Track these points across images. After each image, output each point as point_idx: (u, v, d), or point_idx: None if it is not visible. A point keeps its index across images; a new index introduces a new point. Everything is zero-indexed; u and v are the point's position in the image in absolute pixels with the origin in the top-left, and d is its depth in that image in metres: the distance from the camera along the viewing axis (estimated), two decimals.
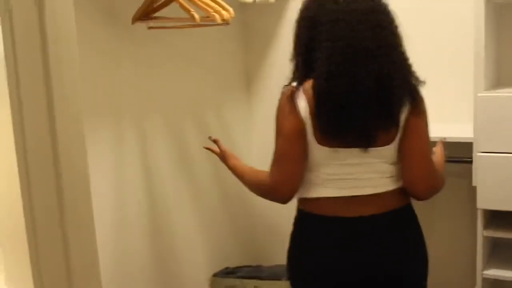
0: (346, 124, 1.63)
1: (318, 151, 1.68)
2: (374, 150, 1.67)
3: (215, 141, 2.04)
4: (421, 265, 1.80)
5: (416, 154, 1.70)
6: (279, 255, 3.01)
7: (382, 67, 1.61)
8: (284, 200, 1.77)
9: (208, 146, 2.08)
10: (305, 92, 1.66)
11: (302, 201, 1.78)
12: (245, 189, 2.94)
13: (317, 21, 1.67)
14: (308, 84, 1.66)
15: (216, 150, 2.04)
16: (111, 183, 2.17)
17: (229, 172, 2.74)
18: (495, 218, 2.43)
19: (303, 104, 1.66)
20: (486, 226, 2.35)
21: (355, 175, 1.69)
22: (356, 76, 1.60)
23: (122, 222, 2.23)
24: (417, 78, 1.71)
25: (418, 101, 1.68)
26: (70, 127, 1.21)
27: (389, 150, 1.69)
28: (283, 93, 1.72)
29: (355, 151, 1.67)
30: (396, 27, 1.68)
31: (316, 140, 1.67)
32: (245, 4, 2.24)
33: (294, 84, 1.70)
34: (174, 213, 2.50)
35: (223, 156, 2.02)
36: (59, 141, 1.16)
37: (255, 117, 2.98)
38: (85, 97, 1.96)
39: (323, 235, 1.73)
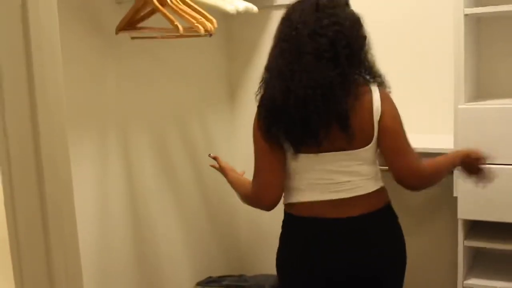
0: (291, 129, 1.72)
1: (298, 159, 1.77)
2: (352, 153, 1.74)
3: (214, 158, 2.11)
4: (401, 262, 1.86)
5: (390, 152, 1.78)
6: (263, 264, 3.03)
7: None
8: (267, 207, 1.85)
9: (212, 164, 2.14)
10: None
11: (288, 205, 1.86)
12: (228, 198, 2.96)
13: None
14: None
15: (217, 166, 2.11)
16: (95, 193, 2.17)
17: (212, 181, 2.76)
18: (476, 228, 2.45)
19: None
20: (467, 236, 2.38)
21: (335, 179, 1.77)
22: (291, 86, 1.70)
23: (105, 232, 2.22)
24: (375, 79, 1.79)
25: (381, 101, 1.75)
26: (54, 137, 1.21)
27: (367, 152, 1.76)
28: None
29: (333, 155, 1.74)
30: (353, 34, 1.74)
31: (292, 148, 1.76)
32: (229, 14, 2.25)
33: None
34: (157, 223, 2.50)
35: (222, 171, 2.09)
36: (42, 151, 1.16)
37: (238, 126, 2.99)
38: (69, 106, 1.98)
39: (309, 235, 1.81)
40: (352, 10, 1.79)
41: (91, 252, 2.14)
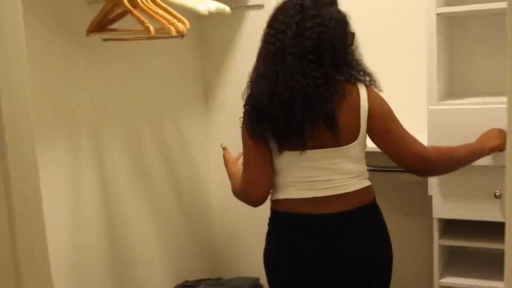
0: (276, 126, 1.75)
1: (284, 157, 1.80)
2: (337, 150, 1.76)
3: (224, 149, 2.16)
4: (386, 259, 1.89)
5: (389, 148, 1.82)
6: (240, 267, 3.02)
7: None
8: (254, 203, 1.90)
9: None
10: None
11: (274, 202, 1.89)
12: (203, 201, 2.94)
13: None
14: None
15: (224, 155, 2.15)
16: (67, 197, 2.13)
17: (187, 184, 2.75)
18: (451, 226, 2.47)
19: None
20: (442, 235, 2.39)
21: (320, 177, 1.79)
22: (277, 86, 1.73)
23: (78, 237, 2.19)
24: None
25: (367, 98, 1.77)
26: (21, 143, 1.18)
27: (353, 149, 1.78)
28: None
29: (319, 152, 1.76)
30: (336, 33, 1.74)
31: (277, 146, 1.78)
32: (201, 15, 2.23)
33: None
34: (132, 227, 2.47)
35: (224, 162, 2.12)
36: (9, 158, 1.13)
37: (213, 128, 2.96)
38: (38, 110, 1.95)
39: (293, 231, 1.84)
40: (338, 9, 1.80)
41: (64, 257, 2.11)
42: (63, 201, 2.11)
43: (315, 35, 1.71)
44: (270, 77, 1.74)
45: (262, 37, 1.82)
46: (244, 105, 1.84)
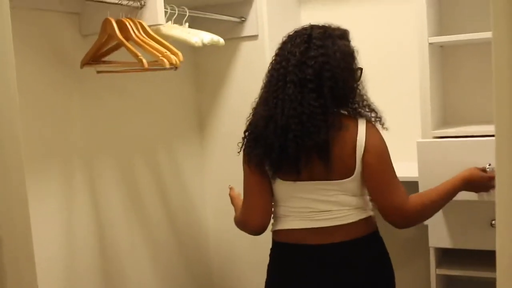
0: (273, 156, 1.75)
1: (279, 186, 1.81)
2: (331, 184, 1.75)
3: (230, 189, 2.13)
4: None
5: (373, 189, 1.78)
6: None
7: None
8: (254, 231, 1.89)
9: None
10: None
11: (274, 232, 1.89)
12: (197, 228, 2.92)
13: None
14: None
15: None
16: (59, 227, 2.11)
17: (181, 213, 2.73)
18: (448, 256, 2.45)
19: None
20: (439, 264, 2.37)
21: (316, 208, 1.77)
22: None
23: (72, 267, 2.16)
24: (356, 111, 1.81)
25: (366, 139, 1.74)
26: (10, 177, 1.17)
27: (350, 183, 1.75)
28: None
29: (312, 184, 1.76)
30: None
31: (271, 173, 1.79)
32: (195, 47, 2.25)
33: None
34: (126, 257, 2.44)
35: (231, 200, 2.10)
36: None
37: (208, 158, 2.96)
38: (31, 141, 1.95)
39: (291, 262, 1.83)
40: (346, 43, 1.80)
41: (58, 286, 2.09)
42: (56, 232, 2.10)
43: (318, 65, 1.71)
44: (269, 103, 1.76)
45: (270, 64, 1.85)
46: (244, 131, 1.86)
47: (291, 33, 1.83)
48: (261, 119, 1.77)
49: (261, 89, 1.85)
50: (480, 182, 1.93)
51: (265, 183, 1.83)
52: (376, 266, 1.83)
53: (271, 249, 1.91)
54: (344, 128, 1.73)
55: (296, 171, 1.74)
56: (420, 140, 2.26)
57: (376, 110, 1.82)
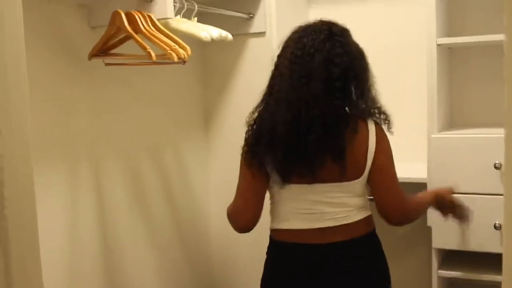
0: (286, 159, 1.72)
1: (284, 187, 1.77)
2: (342, 185, 1.74)
3: None
4: (385, 285, 1.87)
5: (379, 189, 1.78)
6: None
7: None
8: (241, 229, 1.88)
9: None
10: None
11: (273, 231, 1.87)
12: (201, 228, 2.92)
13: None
14: None
15: None
16: (65, 223, 2.11)
17: (185, 211, 2.73)
18: (450, 257, 2.45)
19: None
20: (441, 266, 2.37)
21: (321, 209, 1.76)
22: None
23: (75, 262, 2.16)
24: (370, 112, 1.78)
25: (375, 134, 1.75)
26: (18, 168, 1.17)
27: (357, 184, 1.76)
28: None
29: (323, 186, 1.74)
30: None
31: (281, 177, 1.76)
32: (203, 42, 2.24)
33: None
34: (129, 252, 2.44)
35: None
36: (5, 185, 1.11)
37: (213, 154, 2.96)
38: (38, 134, 1.95)
39: (292, 260, 1.82)
40: (356, 41, 1.79)
41: (60, 284, 2.08)
42: (61, 227, 2.09)
43: (344, 64, 1.69)
44: (291, 101, 1.68)
45: (285, 56, 1.75)
46: (248, 131, 1.80)
47: (304, 27, 1.77)
48: (281, 120, 1.69)
49: (273, 83, 1.76)
50: (447, 204, 1.99)
51: (264, 184, 1.81)
52: (372, 263, 1.84)
53: (268, 247, 1.90)
54: (359, 130, 1.72)
55: (311, 173, 1.71)
56: (434, 135, 2.27)
57: (385, 113, 1.81)
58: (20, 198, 1.13)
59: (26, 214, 1.17)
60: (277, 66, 1.79)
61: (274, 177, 1.78)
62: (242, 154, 1.83)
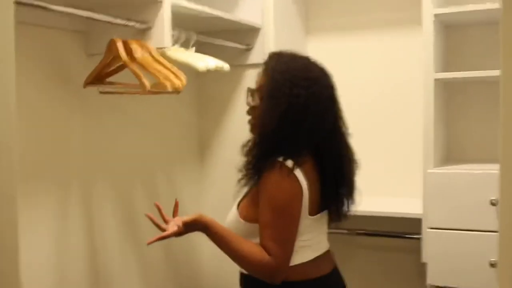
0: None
1: (304, 222, 1.69)
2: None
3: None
4: None
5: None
6: None
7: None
8: (280, 280, 1.68)
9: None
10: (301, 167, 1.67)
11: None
12: (193, 255, 2.87)
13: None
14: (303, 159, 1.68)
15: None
16: (55, 249, 2.08)
17: (177, 240, 2.66)
18: None
19: (304, 182, 1.66)
20: None
21: (319, 236, 1.78)
22: None
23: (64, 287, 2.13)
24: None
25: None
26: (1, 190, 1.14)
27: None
28: (284, 171, 1.65)
29: (324, 214, 1.78)
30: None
31: (308, 211, 1.69)
32: (199, 72, 2.24)
33: (290, 162, 1.66)
34: (119, 280, 2.40)
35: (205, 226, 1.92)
36: None
37: (208, 184, 2.93)
38: (30, 159, 1.93)
39: None
40: None
41: None
42: (50, 253, 2.06)
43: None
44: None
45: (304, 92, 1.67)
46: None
47: (315, 76, 1.73)
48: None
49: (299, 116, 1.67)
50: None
51: None
52: None
53: None
54: None
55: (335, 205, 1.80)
56: (430, 170, 2.25)
57: None
58: (1, 226, 1.10)
59: (7, 245, 1.14)
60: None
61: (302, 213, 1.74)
62: (285, 192, 1.66)
